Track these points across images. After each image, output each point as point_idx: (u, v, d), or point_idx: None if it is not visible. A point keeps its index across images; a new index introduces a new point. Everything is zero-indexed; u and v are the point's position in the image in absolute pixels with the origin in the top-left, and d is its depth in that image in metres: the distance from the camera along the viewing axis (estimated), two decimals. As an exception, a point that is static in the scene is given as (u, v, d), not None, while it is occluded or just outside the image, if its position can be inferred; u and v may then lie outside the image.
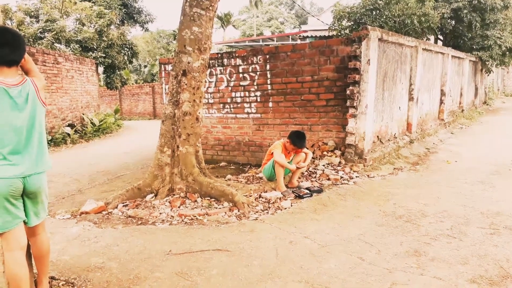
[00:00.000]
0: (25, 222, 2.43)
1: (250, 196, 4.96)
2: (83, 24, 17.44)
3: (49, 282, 2.74)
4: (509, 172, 6.08)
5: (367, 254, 3.31)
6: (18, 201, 2.35)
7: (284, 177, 5.31)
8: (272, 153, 5.31)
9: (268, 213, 4.48)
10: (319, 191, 5.11)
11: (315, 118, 6.80)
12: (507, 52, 15.03)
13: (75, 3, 17.36)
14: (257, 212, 4.52)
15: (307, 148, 5.73)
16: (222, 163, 7.97)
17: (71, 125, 13.49)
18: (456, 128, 11.46)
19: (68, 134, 12.74)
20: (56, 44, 16.00)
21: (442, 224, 3.94)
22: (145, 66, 34.20)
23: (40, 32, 16.03)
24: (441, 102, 11.19)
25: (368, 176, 5.86)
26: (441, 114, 11.21)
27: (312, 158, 6.24)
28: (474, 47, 14.66)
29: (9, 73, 2.33)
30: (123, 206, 4.79)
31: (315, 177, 5.83)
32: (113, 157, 9.71)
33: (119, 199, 4.89)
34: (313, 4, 67.09)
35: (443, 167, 6.66)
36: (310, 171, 6.05)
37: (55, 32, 15.59)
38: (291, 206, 4.67)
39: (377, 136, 7.03)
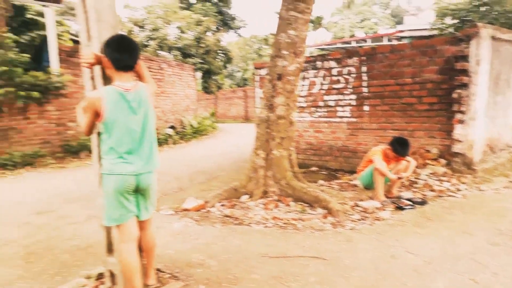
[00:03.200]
0: (136, 216, 2.63)
1: (345, 204, 4.79)
2: (183, 32, 18.66)
3: (155, 274, 2.92)
4: None
5: (480, 276, 2.96)
6: (131, 197, 2.55)
7: (382, 186, 5.03)
8: (370, 159, 5.07)
9: (365, 223, 4.28)
10: (422, 203, 4.74)
11: (417, 123, 6.35)
12: None
13: (176, 12, 18.65)
14: (353, 221, 4.34)
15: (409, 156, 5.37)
16: (313, 168, 7.86)
17: (172, 127, 14.41)
18: None
19: (170, 135, 13.62)
20: (159, 51, 17.36)
21: None
22: (238, 71, 35.38)
23: (146, 40, 17.54)
24: None
25: (478, 188, 5.29)
26: None
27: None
28: None
29: (126, 77, 2.50)
30: (221, 205, 4.97)
31: (416, 188, 5.43)
32: (210, 158, 10.14)
33: (217, 198, 5.08)
34: (410, 3, 63.37)
35: None
36: (411, 180, 5.65)
37: (159, 39, 16.93)
38: (391, 217, 4.40)
39: (488, 145, 6.33)
